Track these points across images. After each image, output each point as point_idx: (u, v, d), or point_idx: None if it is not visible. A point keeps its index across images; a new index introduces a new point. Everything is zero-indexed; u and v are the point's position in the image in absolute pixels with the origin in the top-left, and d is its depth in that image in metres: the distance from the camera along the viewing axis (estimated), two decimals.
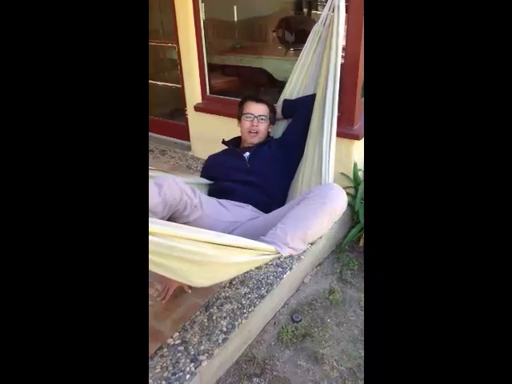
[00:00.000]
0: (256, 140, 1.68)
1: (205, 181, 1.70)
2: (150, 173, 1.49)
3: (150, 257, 0.83)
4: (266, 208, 1.50)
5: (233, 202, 1.50)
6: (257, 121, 1.66)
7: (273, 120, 1.74)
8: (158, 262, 0.85)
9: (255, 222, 1.38)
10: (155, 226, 0.82)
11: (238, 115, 1.74)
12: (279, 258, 1.70)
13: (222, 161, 1.69)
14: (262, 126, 1.68)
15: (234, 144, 1.77)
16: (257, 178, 1.56)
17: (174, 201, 1.26)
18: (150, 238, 0.80)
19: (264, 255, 1.07)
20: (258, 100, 1.69)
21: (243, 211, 1.47)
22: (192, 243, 0.88)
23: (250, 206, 1.51)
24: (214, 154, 1.78)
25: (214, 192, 1.61)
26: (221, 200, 1.50)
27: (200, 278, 0.97)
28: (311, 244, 1.66)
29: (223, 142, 1.78)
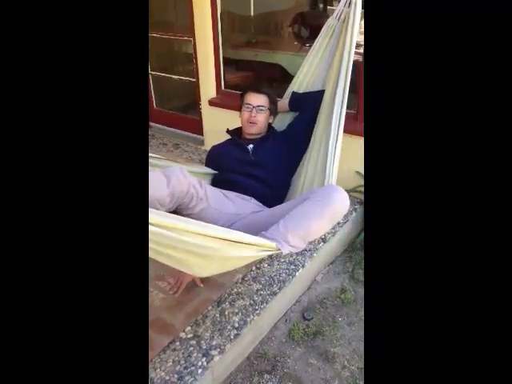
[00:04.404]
0: (254, 130, 1.67)
1: (210, 170, 1.71)
2: (157, 161, 1.51)
3: (159, 248, 0.90)
4: (268, 201, 1.52)
5: (237, 194, 1.52)
6: (255, 111, 1.65)
7: (273, 111, 1.72)
8: (165, 253, 0.92)
9: (257, 216, 1.40)
10: (166, 219, 0.88)
11: (240, 106, 1.73)
12: (291, 256, 1.70)
13: (226, 151, 1.69)
14: (261, 117, 1.66)
15: (237, 134, 1.76)
16: (260, 171, 1.56)
17: (181, 193, 1.30)
18: (161, 230, 0.87)
19: (265, 251, 1.12)
20: (258, 91, 1.68)
21: (247, 204, 1.49)
22: (201, 238, 0.94)
23: (253, 200, 1.53)
24: (218, 145, 1.78)
25: (217, 182, 1.62)
26: (226, 192, 1.52)
27: (202, 269, 1.05)
28: (310, 243, 1.68)
29: (227, 131, 1.78)
